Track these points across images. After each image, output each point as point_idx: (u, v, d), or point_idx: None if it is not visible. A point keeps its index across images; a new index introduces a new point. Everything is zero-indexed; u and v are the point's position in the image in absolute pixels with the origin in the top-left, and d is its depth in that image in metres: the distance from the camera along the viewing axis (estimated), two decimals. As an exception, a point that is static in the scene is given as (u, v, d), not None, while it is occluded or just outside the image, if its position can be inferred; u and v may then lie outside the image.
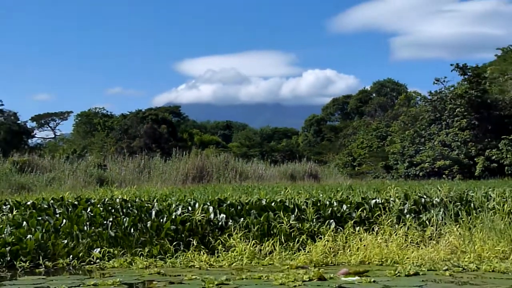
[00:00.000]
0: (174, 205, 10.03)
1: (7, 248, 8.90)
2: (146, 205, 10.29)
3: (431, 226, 9.64)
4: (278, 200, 10.47)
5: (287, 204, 10.14)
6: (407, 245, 9.07)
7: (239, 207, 10.05)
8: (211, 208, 9.87)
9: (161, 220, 9.43)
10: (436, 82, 44.22)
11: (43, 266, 8.62)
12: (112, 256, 8.97)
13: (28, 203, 11.29)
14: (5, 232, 9.33)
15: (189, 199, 10.79)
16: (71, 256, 8.94)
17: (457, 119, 40.65)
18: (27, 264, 8.68)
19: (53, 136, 78.76)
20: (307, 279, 7.25)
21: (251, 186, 19.04)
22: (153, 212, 9.70)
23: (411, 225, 9.57)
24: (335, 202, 10.33)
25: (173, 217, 9.50)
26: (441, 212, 9.99)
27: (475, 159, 39.59)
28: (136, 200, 10.91)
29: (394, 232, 9.35)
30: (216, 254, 8.98)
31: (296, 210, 9.93)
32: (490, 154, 39.17)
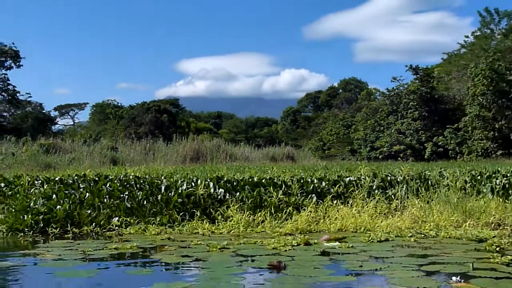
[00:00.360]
0: (179, 181, 9.92)
1: (40, 217, 8.78)
2: (156, 181, 10.20)
3: (396, 199, 9.63)
4: (268, 177, 10.40)
5: (276, 181, 10.07)
6: (377, 215, 9.05)
7: (234, 183, 9.98)
8: (211, 184, 9.79)
9: (170, 194, 9.34)
10: (393, 80, 44.28)
11: (71, 232, 8.51)
12: (128, 224, 8.87)
13: (56, 178, 11.13)
14: (38, 204, 9.19)
15: (192, 176, 10.68)
16: (93, 224, 8.84)
17: (410, 111, 40.76)
18: (57, 230, 8.57)
19: (72, 123, 78.67)
20: (295, 244, 7.19)
21: (242, 166, 18.94)
22: (163, 187, 9.60)
23: (379, 199, 9.53)
24: (315, 180, 10.28)
25: (180, 191, 9.41)
26: (404, 188, 9.99)
27: (424, 144, 39.80)
28: (147, 177, 10.81)
29: (366, 205, 9.31)
30: (216, 223, 8.90)
31: (283, 186, 9.85)
32: (437, 140, 39.35)
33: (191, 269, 5.87)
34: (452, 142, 38.69)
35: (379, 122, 42.92)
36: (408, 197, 9.68)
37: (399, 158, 37.58)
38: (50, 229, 8.61)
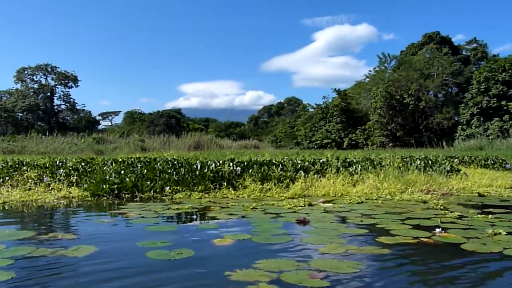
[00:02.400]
0: (209, 162, 9.24)
1: (115, 186, 8.01)
2: (191, 162, 9.49)
3: (356, 174, 9.13)
4: (268, 159, 9.78)
5: (275, 162, 9.47)
6: (346, 185, 8.51)
7: (245, 163, 9.32)
8: (231, 163, 9.13)
9: (204, 170, 8.65)
10: (323, 97, 44.28)
11: (138, 197, 7.76)
12: (177, 191, 8.16)
13: (120, 160, 10.31)
14: (112, 177, 8.42)
15: (216, 159, 9.99)
16: (151, 191, 8.08)
17: (334, 118, 40.74)
18: (129, 195, 7.83)
19: (110, 124, 76.78)
20: (302, 205, 6.59)
21: (238, 152, 18.25)
22: (199, 165, 8.90)
23: (345, 174, 9.02)
24: (299, 161, 9.71)
25: (211, 168, 8.73)
26: (359, 166, 9.50)
27: (343, 139, 39.68)
28: (183, 158, 10.08)
29: (337, 178, 8.78)
30: (237, 190, 8.26)
31: (280, 165, 9.26)
32: (351, 136, 39.30)
33: (243, 224, 5.19)
34: (361, 137, 38.74)
35: (314, 124, 42.74)
36: (361, 172, 9.24)
37: (327, 147, 37.45)
38: (123, 194, 7.89)
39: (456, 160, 13.40)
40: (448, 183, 8.73)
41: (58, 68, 50.23)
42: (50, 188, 8.53)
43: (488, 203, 6.89)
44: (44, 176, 9.02)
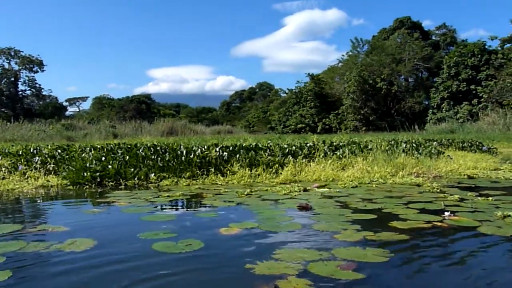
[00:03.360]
0: (194, 147, 8.91)
1: (97, 174, 7.58)
2: (176, 147, 9.12)
3: (344, 158, 8.98)
4: (254, 144, 9.52)
5: (262, 147, 9.22)
6: (335, 169, 8.36)
7: (231, 148, 9.04)
8: (217, 149, 8.82)
9: (190, 156, 8.31)
10: (297, 82, 44.10)
11: (123, 185, 7.37)
12: (163, 178, 7.81)
13: (98, 146, 9.84)
14: (93, 164, 7.98)
15: (198, 144, 9.67)
16: (136, 178, 7.70)
17: (308, 102, 40.69)
18: (113, 183, 7.43)
19: (78, 110, 74.87)
20: (298, 190, 6.38)
21: (218, 138, 17.90)
22: (184, 151, 8.55)
23: (333, 158, 8.86)
24: (286, 145, 9.50)
25: (197, 154, 8.40)
26: (347, 150, 9.36)
27: (317, 123, 39.80)
28: (165, 144, 9.70)
29: (326, 162, 8.61)
30: (226, 176, 7.97)
31: (268, 150, 9.02)
32: (325, 121, 39.43)
33: (244, 211, 4.93)
34: (334, 122, 38.95)
35: (288, 109, 42.68)
36: (349, 157, 9.10)
37: (301, 132, 37.50)
38: (106, 182, 7.48)
39: (435, 143, 13.50)
40: (436, 165, 8.70)
41: (22, 52, 48.13)
42: (26, 176, 8.03)
43: (480, 185, 6.87)
44: (18, 164, 8.48)
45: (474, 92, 32.31)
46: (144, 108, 63.95)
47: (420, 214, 4.53)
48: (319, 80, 41.79)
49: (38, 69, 48.66)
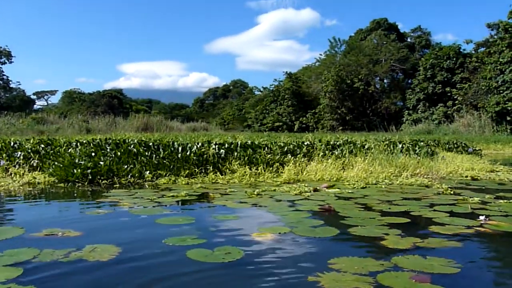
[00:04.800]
0: (190, 144, 8.49)
1: (88, 171, 7.07)
2: (169, 143, 8.68)
3: (343, 157, 8.74)
4: (250, 142, 9.17)
5: (259, 144, 8.88)
6: (337, 169, 8.11)
7: (226, 145, 8.65)
8: (214, 145, 8.43)
9: (187, 153, 7.89)
10: (275, 80, 43.87)
11: (116, 183, 6.90)
12: (158, 175, 7.37)
13: (84, 141, 9.28)
14: (82, 160, 7.46)
15: (198, 140, 9.25)
16: (129, 175, 7.23)
17: (285, 101, 40.59)
18: (108, 181, 6.94)
19: (46, 104, 72.68)
20: (309, 191, 6.08)
21: (207, 134, 17.43)
22: (180, 148, 8.13)
23: (332, 157, 8.61)
24: (282, 143, 9.19)
25: (194, 151, 7.98)
26: (346, 150, 9.13)
27: (294, 122, 39.76)
28: (157, 140, 9.24)
29: (326, 162, 8.35)
30: (225, 175, 7.60)
31: (266, 148, 8.69)
32: (302, 120, 39.45)
33: (264, 214, 4.59)
34: (311, 121, 38.99)
35: (265, 107, 42.47)
36: (346, 155, 8.88)
37: (278, 130, 37.37)
38: (99, 180, 6.98)
39: (421, 143, 13.49)
40: (437, 166, 8.58)
41: (-12, 42, 46.07)
42: (9, 173, 7.44)
43: (490, 187, 6.75)
44: (0, 159, 7.86)
45: (449, 94, 32.91)
46: (116, 103, 62.64)
47: (453, 218, 4.30)
48: (296, 79, 41.74)
49: (6, 61, 46.62)
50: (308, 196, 5.70)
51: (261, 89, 57.51)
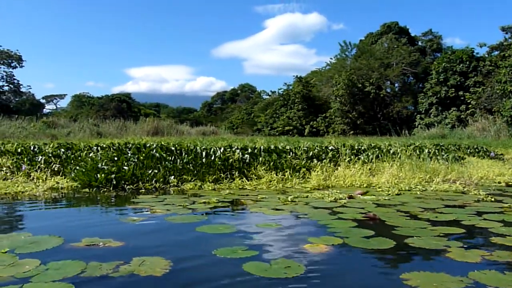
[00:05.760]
0: (214, 149, 8.29)
1: (112, 176, 6.88)
2: (192, 148, 8.49)
3: (370, 162, 8.49)
4: (273, 146, 8.97)
5: (283, 149, 8.66)
6: (365, 175, 7.86)
7: (250, 150, 8.45)
8: (238, 151, 8.23)
9: (211, 158, 7.69)
10: (284, 84, 43.63)
11: (142, 188, 6.71)
12: (184, 181, 7.17)
13: (104, 145, 9.14)
14: (105, 165, 7.29)
15: (216, 144, 9.06)
16: (153, 180, 7.03)
17: (296, 105, 40.34)
18: (133, 186, 6.75)
19: (55, 108, 73.07)
20: (343, 198, 5.86)
21: (224, 139, 17.25)
22: (204, 153, 7.93)
23: (359, 163, 8.36)
24: (305, 148, 8.97)
25: (219, 156, 7.78)
26: (372, 155, 8.88)
27: (304, 126, 39.53)
28: (177, 144, 9.07)
29: (353, 167, 8.11)
30: (252, 180, 7.38)
31: (291, 153, 8.47)
32: (312, 124, 39.22)
33: (307, 222, 4.38)
34: (322, 125, 38.73)
35: (275, 111, 42.25)
36: (372, 161, 8.62)
37: (289, 135, 37.14)
38: (124, 185, 6.79)
39: (450, 147, 13.21)
40: (468, 172, 8.32)
41: (0, 46, 46.19)
42: (31, 178, 7.28)
43: (529, 194, 6.49)
44: (21, 163, 7.71)
45: (462, 98, 32.50)
46: (125, 107, 62.73)
47: (509, 227, 4.06)
48: (307, 83, 41.49)
49: (17, 65, 46.78)
50: (344, 203, 5.47)
51: (269, 93, 57.44)
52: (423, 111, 34.92)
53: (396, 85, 40.76)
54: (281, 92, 44.47)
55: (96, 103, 63.77)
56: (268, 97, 56.07)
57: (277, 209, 4.98)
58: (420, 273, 2.66)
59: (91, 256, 2.98)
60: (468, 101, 31.97)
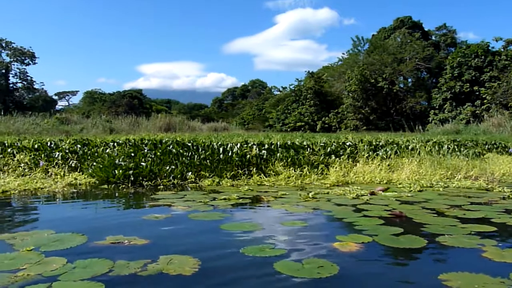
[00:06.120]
0: (230, 144, 8.23)
1: (129, 172, 6.85)
2: (209, 144, 8.44)
3: (388, 158, 8.35)
4: (290, 142, 8.88)
5: (300, 145, 8.57)
6: (384, 171, 7.72)
7: (267, 146, 8.37)
8: (254, 147, 8.16)
9: (229, 154, 7.62)
10: (296, 80, 43.46)
11: (161, 184, 6.66)
12: (201, 177, 7.11)
13: (120, 141, 9.12)
14: (123, 161, 7.26)
15: (232, 140, 8.99)
16: (171, 176, 6.98)
17: (307, 101, 40.14)
18: (150, 183, 6.71)
19: (68, 104, 73.68)
20: (365, 194, 5.75)
21: (240, 135, 17.19)
22: (221, 149, 7.87)
23: (378, 159, 8.22)
24: (322, 144, 8.85)
25: (236, 152, 7.71)
26: (391, 151, 8.73)
27: (316, 122, 39.32)
28: (191, 141, 9.04)
29: (372, 163, 7.98)
30: (270, 176, 7.29)
31: (309, 148, 8.37)
32: (324, 120, 38.98)
33: (331, 220, 4.28)
34: (334, 121, 38.49)
35: (287, 107, 42.07)
36: (390, 157, 8.47)
37: (300, 130, 36.96)
38: (142, 181, 6.76)
39: (470, 143, 12.97)
40: (490, 168, 8.14)
41: (14, 43, 46.55)
42: (49, 174, 7.27)
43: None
44: (39, 159, 7.71)
45: (477, 93, 32.04)
46: (136, 103, 62.95)
47: (542, 225, 3.93)
48: (319, 78, 41.23)
49: (30, 62, 47.17)
50: (367, 200, 5.36)
51: (280, 89, 57.23)
52: (437, 107, 34.50)
53: (409, 80, 40.27)
54: (293, 88, 44.23)
55: (108, 99, 64.13)
56: (279, 93, 55.93)
57: (299, 206, 4.90)
58: (458, 273, 2.56)
59: (117, 255, 2.92)
60: (484, 96, 31.51)
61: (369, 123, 37.48)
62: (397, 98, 38.15)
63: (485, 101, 31.36)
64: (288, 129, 38.33)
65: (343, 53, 44.25)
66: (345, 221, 4.12)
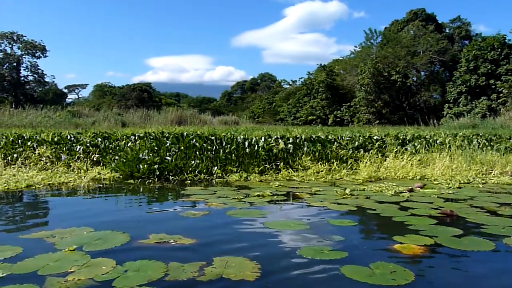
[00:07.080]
0: (256, 138, 8.01)
1: (155, 166, 6.66)
2: (232, 137, 8.23)
3: (418, 153, 8.09)
4: (315, 136, 8.64)
5: (328, 139, 8.32)
6: (416, 166, 7.46)
7: (292, 140, 8.14)
8: (280, 140, 7.93)
9: (255, 148, 7.40)
10: (308, 73, 43.09)
11: (188, 180, 6.47)
12: (227, 171, 6.90)
13: (141, 134, 8.94)
14: (148, 155, 7.07)
15: (252, 134, 8.77)
16: (197, 171, 6.78)
17: (319, 94, 39.80)
18: (177, 178, 6.52)
19: (77, 97, 73.92)
20: (404, 191, 5.50)
21: (258, 128, 16.97)
22: (246, 143, 7.65)
23: (407, 153, 7.96)
24: (348, 138, 8.60)
25: (262, 146, 7.48)
26: (420, 146, 8.47)
27: (328, 115, 39.00)
28: (213, 135, 8.83)
29: (403, 158, 7.72)
30: (298, 172, 7.07)
31: (336, 143, 8.13)
32: (336, 113, 38.66)
33: (380, 219, 4.05)
34: (346, 114, 38.14)
35: (299, 100, 41.73)
36: (418, 152, 8.20)
37: (312, 124, 36.66)
38: (168, 176, 6.56)
39: (499, 138, 12.64)
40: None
41: (25, 36, 46.51)
42: (71, 168, 7.10)
43: None
44: (61, 153, 7.54)
45: (493, 86, 31.47)
46: (146, 96, 62.94)
47: None
48: (330, 71, 40.78)
49: (41, 55, 47.12)
50: (408, 197, 5.12)
51: (290, 82, 56.75)
52: (451, 100, 33.97)
53: (423, 73, 39.68)
54: (303, 81, 43.80)
55: (118, 92, 64.15)
56: (289, 86, 55.48)
57: (339, 203, 4.67)
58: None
59: (167, 255, 2.72)
60: (500, 89, 30.94)
61: (382, 117, 37.03)
62: (410, 92, 37.64)
63: (501, 94, 30.80)
64: (300, 123, 38.01)
65: (355, 46, 43.75)
66: (394, 220, 3.89)
